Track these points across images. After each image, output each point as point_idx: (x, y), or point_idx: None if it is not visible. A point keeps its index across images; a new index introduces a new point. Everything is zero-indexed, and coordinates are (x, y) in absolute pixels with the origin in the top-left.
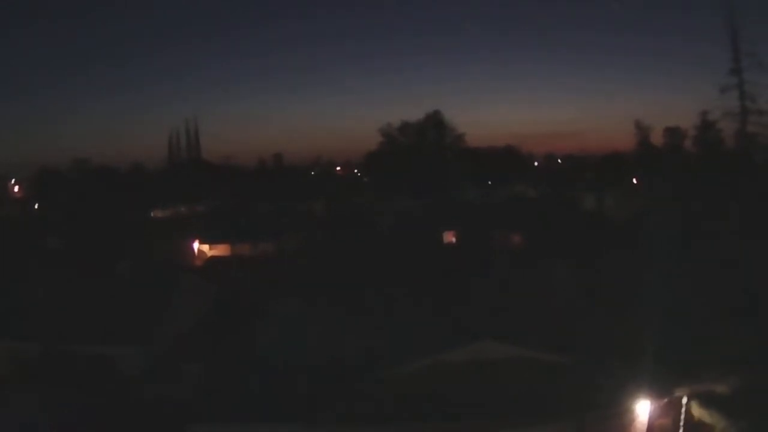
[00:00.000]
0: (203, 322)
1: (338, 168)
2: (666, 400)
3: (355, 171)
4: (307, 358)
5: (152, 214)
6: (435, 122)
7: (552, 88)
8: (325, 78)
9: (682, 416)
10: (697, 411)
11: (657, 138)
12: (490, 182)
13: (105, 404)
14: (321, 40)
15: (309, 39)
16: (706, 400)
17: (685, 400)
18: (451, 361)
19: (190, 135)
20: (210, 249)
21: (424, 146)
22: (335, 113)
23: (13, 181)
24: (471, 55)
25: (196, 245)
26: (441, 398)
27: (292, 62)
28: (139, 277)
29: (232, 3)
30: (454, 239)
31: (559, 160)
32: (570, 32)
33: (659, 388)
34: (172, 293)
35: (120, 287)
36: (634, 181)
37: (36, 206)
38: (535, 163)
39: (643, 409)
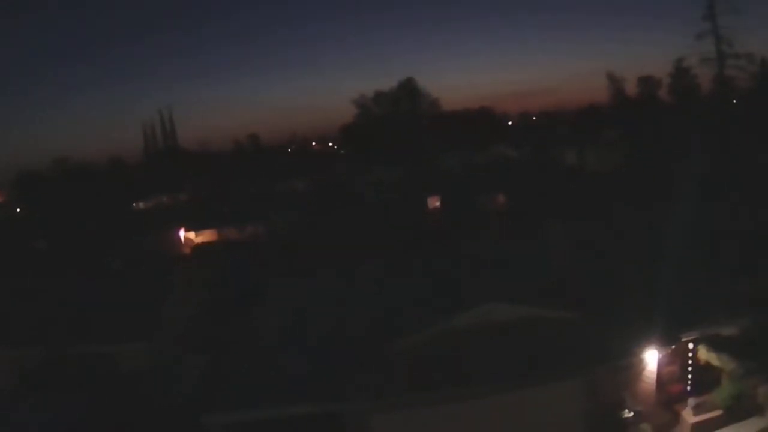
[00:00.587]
0: (200, 311)
1: (314, 143)
2: (673, 346)
3: (331, 145)
4: (310, 337)
5: (135, 207)
6: (408, 90)
7: (522, 47)
8: (296, 56)
9: (690, 361)
10: (705, 355)
11: (632, 89)
12: (468, 145)
13: (109, 404)
14: (289, 19)
15: (278, 18)
16: (714, 343)
17: (691, 345)
18: (457, 327)
19: (165, 124)
20: (196, 236)
21: (399, 114)
22: (309, 90)
23: None
24: (440, 19)
25: (182, 233)
26: (451, 365)
27: (262, 43)
28: (132, 272)
29: None
30: (438, 204)
31: (534, 118)
32: None
33: (666, 336)
34: (167, 285)
35: (113, 283)
36: (612, 133)
37: (18, 209)
38: (509, 123)
39: (651, 357)
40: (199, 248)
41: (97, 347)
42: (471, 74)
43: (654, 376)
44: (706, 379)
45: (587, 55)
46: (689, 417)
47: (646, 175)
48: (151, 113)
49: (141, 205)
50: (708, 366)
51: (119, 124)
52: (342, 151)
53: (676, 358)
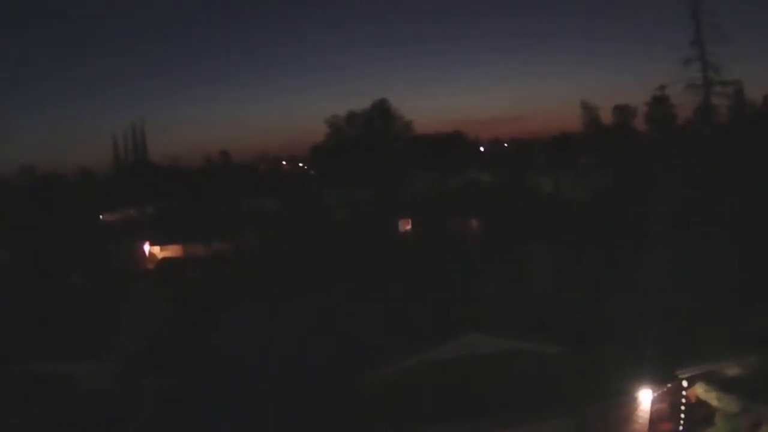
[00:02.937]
0: (161, 330)
1: (284, 163)
2: (667, 385)
3: (301, 165)
4: (274, 363)
5: (102, 219)
6: (381, 111)
7: (495, 73)
8: (269, 74)
9: (682, 400)
10: (703, 393)
11: (606, 117)
12: (440, 169)
13: (63, 425)
14: (263, 38)
15: (251, 37)
16: (714, 382)
17: (685, 383)
18: (438, 358)
19: (137, 137)
20: (161, 251)
21: (372, 135)
22: (281, 109)
23: None
24: (413, 42)
25: (146, 248)
26: (430, 398)
27: (235, 61)
28: (93, 286)
29: (172, 5)
30: (409, 227)
31: (506, 145)
32: (511, 15)
33: (661, 374)
34: (128, 302)
35: (73, 298)
36: (584, 161)
37: None
38: (481, 149)
39: (645, 396)
40: (163, 264)
41: (53, 365)
42: (443, 98)
43: (646, 415)
44: (698, 417)
45: (559, 82)
46: None
47: (625, 204)
48: (121, 126)
49: (108, 217)
50: (700, 404)
51: (89, 136)
52: (312, 171)
53: (668, 395)
